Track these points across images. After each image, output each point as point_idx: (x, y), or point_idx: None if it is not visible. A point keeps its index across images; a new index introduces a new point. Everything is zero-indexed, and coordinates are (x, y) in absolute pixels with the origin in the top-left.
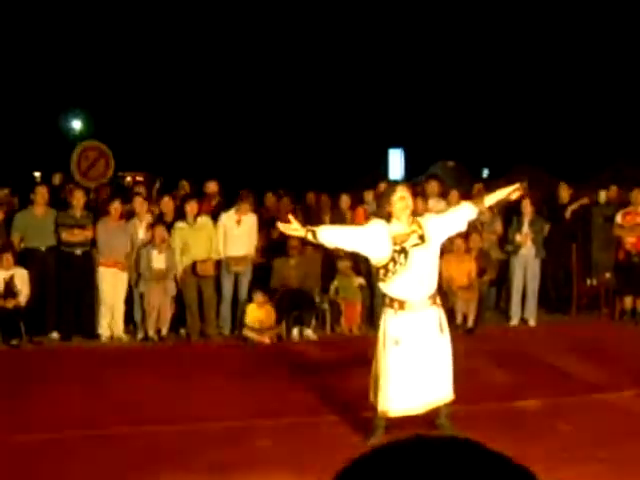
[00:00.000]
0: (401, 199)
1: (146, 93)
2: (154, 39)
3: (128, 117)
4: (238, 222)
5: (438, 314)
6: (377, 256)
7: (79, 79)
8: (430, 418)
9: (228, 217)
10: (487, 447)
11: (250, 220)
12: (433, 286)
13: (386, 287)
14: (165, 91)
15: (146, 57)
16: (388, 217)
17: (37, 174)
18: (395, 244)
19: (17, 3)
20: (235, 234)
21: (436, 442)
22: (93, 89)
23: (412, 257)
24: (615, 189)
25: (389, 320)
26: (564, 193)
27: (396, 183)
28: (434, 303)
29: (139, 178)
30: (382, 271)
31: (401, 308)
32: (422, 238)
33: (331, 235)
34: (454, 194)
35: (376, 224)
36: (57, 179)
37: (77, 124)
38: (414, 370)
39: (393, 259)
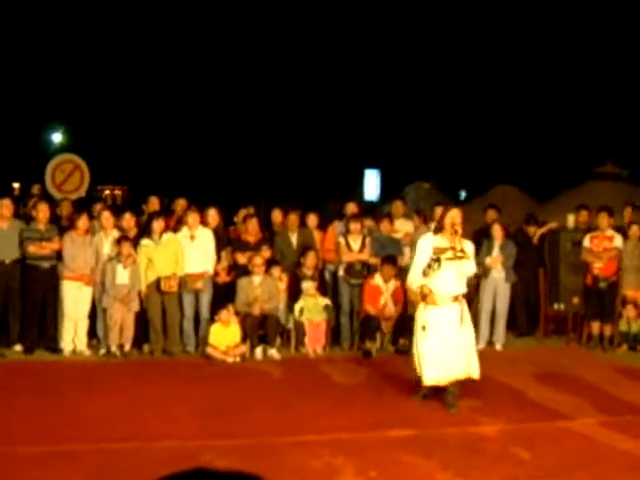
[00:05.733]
0: (452, 219)
1: (127, 109)
2: (137, 54)
3: (108, 131)
4: (192, 238)
5: (459, 308)
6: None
7: (61, 93)
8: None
9: (182, 234)
10: None
11: (204, 235)
12: (457, 290)
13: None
14: (145, 107)
15: (128, 71)
16: (438, 229)
17: (16, 185)
18: (434, 254)
19: None
20: (190, 250)
21: (216, 476)
22: (74, 103)
23: (444, 266)
24: (585, 214)
25: (420, 311)
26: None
27: (454, 205)
28: (456, 300)
29: (117, 192)
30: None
31: (430, 302)
32: (456, 255)
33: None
34: (416, 217)
35: (424, 241)
36: (36, 190)
37: (57, 137)
38: (438, 350)
39: (430, 265)
